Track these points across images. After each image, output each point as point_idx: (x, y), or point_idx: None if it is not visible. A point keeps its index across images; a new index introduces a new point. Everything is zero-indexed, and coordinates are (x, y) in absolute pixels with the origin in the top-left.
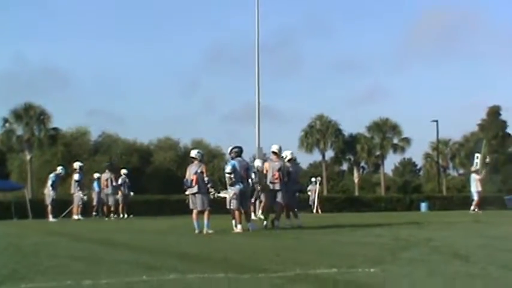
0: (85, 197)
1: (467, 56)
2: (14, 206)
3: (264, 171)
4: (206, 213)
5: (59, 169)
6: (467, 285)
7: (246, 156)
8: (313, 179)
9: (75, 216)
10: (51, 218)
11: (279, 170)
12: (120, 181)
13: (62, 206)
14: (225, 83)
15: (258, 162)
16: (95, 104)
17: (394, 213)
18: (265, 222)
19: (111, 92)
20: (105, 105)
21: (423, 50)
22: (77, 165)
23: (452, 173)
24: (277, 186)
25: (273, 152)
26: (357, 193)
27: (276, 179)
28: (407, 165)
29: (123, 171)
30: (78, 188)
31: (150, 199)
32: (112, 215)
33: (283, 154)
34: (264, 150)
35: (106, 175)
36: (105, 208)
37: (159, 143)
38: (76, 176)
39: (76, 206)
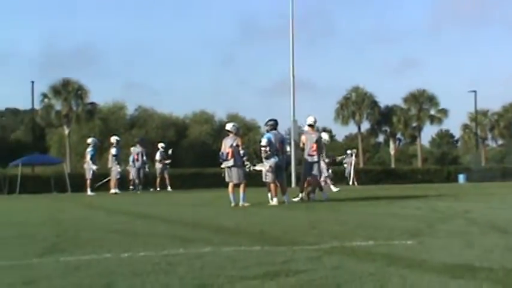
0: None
1: (507, 23)
2: (53, 180)
3: (301, 144)
4: (242, 186)
5: (90, 140)
6: (505, 257)
7: (281, 129)
8: (348, 151)
9: (113, 190)
10: (89, 192)
11: (316, 142)
12: (158, 155)
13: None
14: (259, 56)
15: (325, 136)
16: (131, 78)
17: (431, 185)
18: (300, 195)
19: (146, 66)
20: (141, 79)
21: (460, 17)
22: (114, 139)
23: (491, 144)
24: (314, 159)
25: (309, 125)
26: (393, 165)
27: (314, 151)
28: (445, 137)
29: (161, 144)
30: (116, 162)
31: (185, 172)
32: (140, 187)
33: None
34: (299, 123)
35: (137, 149)
36: (136, 181)
37: (195, 117)
38: (113, 150)
39: (114, 179)
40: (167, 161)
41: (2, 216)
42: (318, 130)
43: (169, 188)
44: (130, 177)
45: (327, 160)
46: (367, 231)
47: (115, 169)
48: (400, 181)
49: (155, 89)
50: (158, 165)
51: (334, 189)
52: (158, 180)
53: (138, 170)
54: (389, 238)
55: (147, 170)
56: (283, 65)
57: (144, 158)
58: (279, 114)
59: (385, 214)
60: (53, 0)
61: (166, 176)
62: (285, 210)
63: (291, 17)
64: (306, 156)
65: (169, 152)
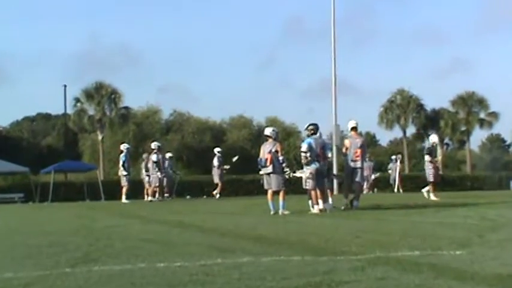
0: (164, 178)
1: None
2: (86, 187)
3: (344, 149)
4: (281, 193)
5: (122, 147)
6: None
7: (323, 133)
8: (393, 157)
9: (150, 198)
10: (124, 200)
11: (361, 147)
12: (216, 161)
13: (135, 187)
14: (301, 58)
15: (433, 138)
16: (166, 81)
17: (481, 193)
18: (345, 201)
19: (182, 69)
20: (176, 82)
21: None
22: (155, 145)
23: None
24: (358, 164)
25: (352, 128)
26: (440, 171)
27: (358, 156)
28: (496, 141)
29: (217, 149)
30: (157, 169)
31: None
32: (165, 196)
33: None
34: (341, 127)
35: (155, 156)
36: (152, 189)
37: (232, 121)
38: (154, 157)
39: (153, 187)
40: (226, 167)
41: (34, 225)
42: (361, 134)
43: (217, 196)
44: (164, 184)
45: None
46: (413, 241)
47: (155, 176)
48: (448, 188)
49: (192, 93)
50: (216, 171)
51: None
52: (220, 186)
53: (165, 177)
54: (436, 248)
55: (178, 176)
56: (325, 67)
57: (166, 164)
58: (320, 118)
59: (432, 223)
60: (92, 1)
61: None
62: (326, 218)
63: (332, 18)
64: (349, 161)
65: (234, 159)
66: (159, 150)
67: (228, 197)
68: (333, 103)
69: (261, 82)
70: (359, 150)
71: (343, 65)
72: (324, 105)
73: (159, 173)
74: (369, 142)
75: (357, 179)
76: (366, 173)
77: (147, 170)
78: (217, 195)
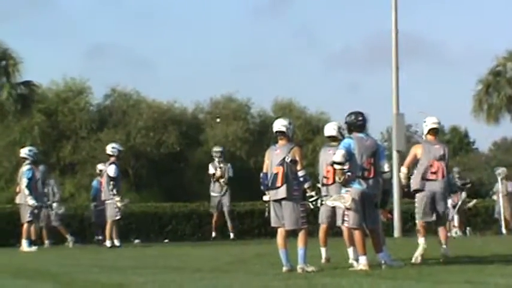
0: None
1: None
2: None
3: (409, 160)
4: (301, 235)
5: (24, 152)
6: None
7: (374, 130)
8: (498, 171)
9: (109, 241)
10: (25, 246)
11: (441, 158)
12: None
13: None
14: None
15: None
16: (99, 38)
17: None
18: (419, 250)
19: (128, 18)
20: (117, 41)
21: None
22: (113, 149)
23: None
24: (436, 186)
25: (431, 130)
26: None
27: (434, 172)
28: None
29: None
30: (114, 191)
31: (181, 210)
32: None
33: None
34: (407, 120)
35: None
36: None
37: (215, 108)
38: (111, 170)
39: (111, 222)
40: None
41: None
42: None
43: (231, 235)
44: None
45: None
46: None
47: (112, 203)
48: None
49: (145, 58)
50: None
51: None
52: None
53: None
54: None
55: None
56: (378, 16)
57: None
58: (369, 103)
59: None
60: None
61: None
62: (383, 281)
63: None
64: (415, 181)
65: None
66: (117, 158)
67: (209, 241)
68: (393, 78)
69: (264, 39)
70: (436, 164)
71: (408, 14)
72: (376, 81)
73: (116, 197)
74: (457, 145)
75: (439, 208)
76: (451, 201)
77: (96, 196)
78: (232, 234)
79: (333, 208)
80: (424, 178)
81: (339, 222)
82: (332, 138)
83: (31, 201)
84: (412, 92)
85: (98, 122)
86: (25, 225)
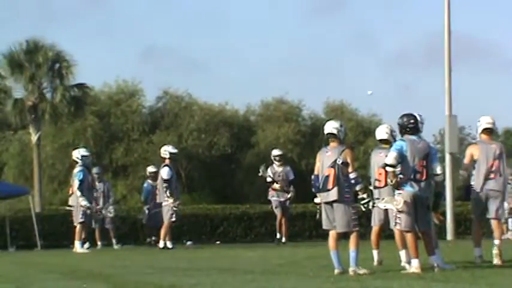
0: None
1: None
2: (9, 225)
3: (466, 160)
4: (353, 237)
5: (77, 154)
6: None
7: (427, 132)
8: None
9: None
10: (79, 247)
11: (498, 157)
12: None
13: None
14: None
15: None
16: (151, 41)
17: None
18: (477, 252)
19: (180, 21)
20: (169, 43)
21: None
22: (165, 151)
23: None
24: (493, 185)
25: (485, 130)
26: None
27: (492, 172)
28: None
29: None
30: (168, 193)
31: (235, 212)
32: None
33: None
34: (460, 121)
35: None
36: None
37: (266, 111)
38: (165, 172)
39: (168, 223)
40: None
41: None
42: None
43: (283, 240)
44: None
45: None
46: None
47: (167, 205)
48: None
49: (197, 61)
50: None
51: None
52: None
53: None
54: None
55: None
56: (431, 16)
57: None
58: (421, 105)
59: None
60: None
61: None
62: (436, 284)
63: None
64: (479, 179)
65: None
66: (171, 160)
67: (257, 243)
68: (446, 79)
69: (318, 40)
70: (495, 162)
71: (463, 15)
72: (430, 83)
73: (170, 200)
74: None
75: (497, 209)
76: (507, 204)
77: (147, 198)
78: (283, 239)
79: (386, 210)
80: (485, 178)
81: (391, 225)
82: (384, 141)
83: (83, 202)
84: (466, 94)
85: (150, 124)
86: (78, 227)
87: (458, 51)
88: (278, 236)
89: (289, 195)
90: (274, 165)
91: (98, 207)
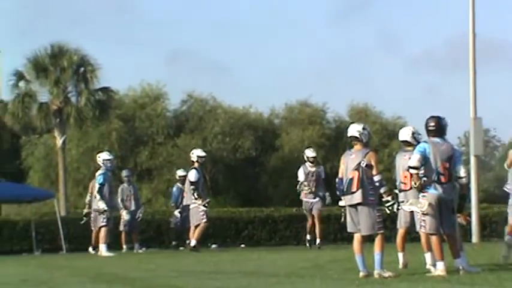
0: None
1: None
2: (35, 228)
3: (507, 164)
4: (377, 240)
5: (101, 158)
6: None
7: (452, 134)
8: None
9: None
10: (104, 251)
11: None
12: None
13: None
14: (412, 3)
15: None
16: (176, 44)
17: None
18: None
19: (206, 25)
20: (194, 47)
21: None
22: (195, 155)
23: None
24: None
25: None
26: None
27: None
28: None
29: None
30: (196, 196)
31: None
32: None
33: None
34: (485, 124)
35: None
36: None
37: (290, 114)
38: (192, 175)
39: (197, 225)
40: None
41: None
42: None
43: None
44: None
45: None
46: None
47: (196, 207)
48: None
49: (222, 64)
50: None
51: None
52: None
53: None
54: None
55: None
56: (456, 19)
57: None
58: (447, 107)
59: None
60: None
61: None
62: (461, 286)
63: None
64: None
65: None
66: (200, 164)
67: (282, 246)
68: (470, 81)
69: (344, 42)
70: None
71: (486, 16)
72: (455, 85)
73: (198, 201)
74: None
75: None
76: None
77: (177, 201)
78: (317, 241)
79: (412, 213)
80: None
81: (417, 228)
82: (406, 143)
83: (101, 206)
84: (491, 96)
85: (174, 127)
86: (101, 230)
87: (483, 54)
88: (309, 237)
89: (322, 198)
90: (306, 165)
91: (126, 210)
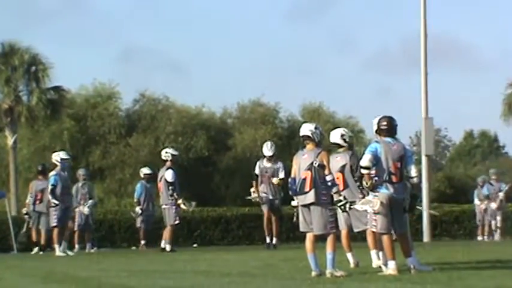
0: None
1: None
2: None
3: None
4: (329, 239)
5: (56, 157)
6: None
7: (403, 134)
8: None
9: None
10: (59, 250)
11: None
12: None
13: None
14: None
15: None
16: (129, 42)
17: None
18: None
19: (159, 22)
20: (147, 44)
21: None
22: (167, 154)
23: None
24: None
25: None
26: None
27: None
28: None
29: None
30: (173, 196)
31: (212, 215)
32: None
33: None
34: (436, 124)
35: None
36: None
37: (243, 113)
38: (169, 174)
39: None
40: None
41: None
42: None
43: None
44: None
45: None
46: None
47: (170, 208)
48: None
49: (176, 62)
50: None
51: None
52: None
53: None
54: None
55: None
56: (408, 18)
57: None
58: (399, 108)
59: None
60: None
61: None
62: (413, 285)
63: None
64: None
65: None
66: (173, 163)
67: (234, 245)
68: (422, 81)
69: (298, 43)
70: None
71: (438, 16)
72: (407, 85)
73: (179, 201)
74: (487, 149)
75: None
76: (493, 205)
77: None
78: (274, 240)
79: (348, 213)
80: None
81: (368, 227)
82: (337, 145)
83: (54, 203)
84: (443, 96)
85: (126, 127)
86: (54, 231)
87: (435, 53)
88: (268, 240)
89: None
90: (263, 160)
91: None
